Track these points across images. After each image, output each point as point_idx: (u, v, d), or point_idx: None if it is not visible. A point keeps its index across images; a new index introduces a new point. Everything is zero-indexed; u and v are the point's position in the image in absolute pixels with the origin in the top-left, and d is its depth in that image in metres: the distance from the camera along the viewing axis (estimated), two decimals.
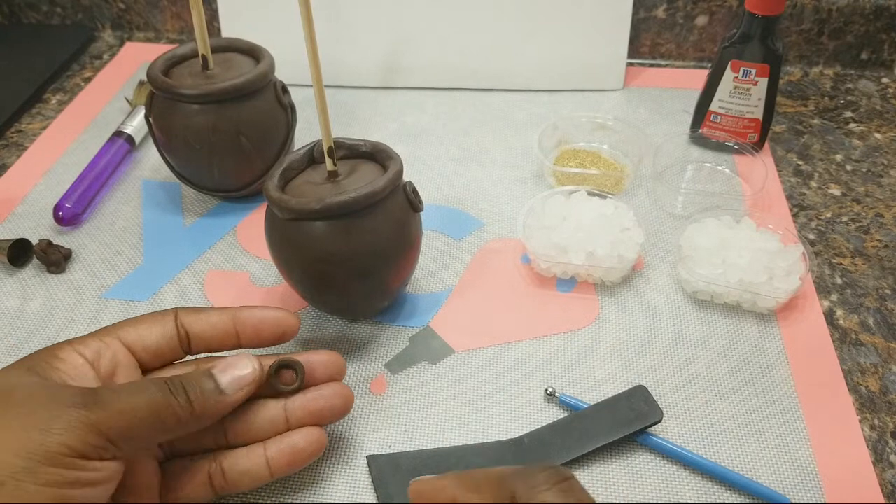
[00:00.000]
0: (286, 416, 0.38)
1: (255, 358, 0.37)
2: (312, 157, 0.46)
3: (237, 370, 0.36)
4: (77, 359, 0.34)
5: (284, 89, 0.56)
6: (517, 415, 0.44)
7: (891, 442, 0.43)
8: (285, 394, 0.38)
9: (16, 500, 0.29)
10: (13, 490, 0.29)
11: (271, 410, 0.38)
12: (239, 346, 0.39)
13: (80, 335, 0.36)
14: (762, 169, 0.58)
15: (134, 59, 0.77)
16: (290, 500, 0.40)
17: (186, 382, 0.34)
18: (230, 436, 0.38)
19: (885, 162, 0.63)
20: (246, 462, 0.37)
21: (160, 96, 0.53)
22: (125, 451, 0.32)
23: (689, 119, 0.64)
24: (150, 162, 0.63)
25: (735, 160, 0.62)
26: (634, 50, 0.75)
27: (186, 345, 0.38)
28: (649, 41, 0.75)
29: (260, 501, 0.40)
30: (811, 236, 0.56)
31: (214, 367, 0.36)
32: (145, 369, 0.37)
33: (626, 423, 0.41)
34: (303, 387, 0.39)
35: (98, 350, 0.35)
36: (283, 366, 0.39)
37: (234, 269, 0.53)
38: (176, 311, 0.38)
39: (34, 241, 0.54)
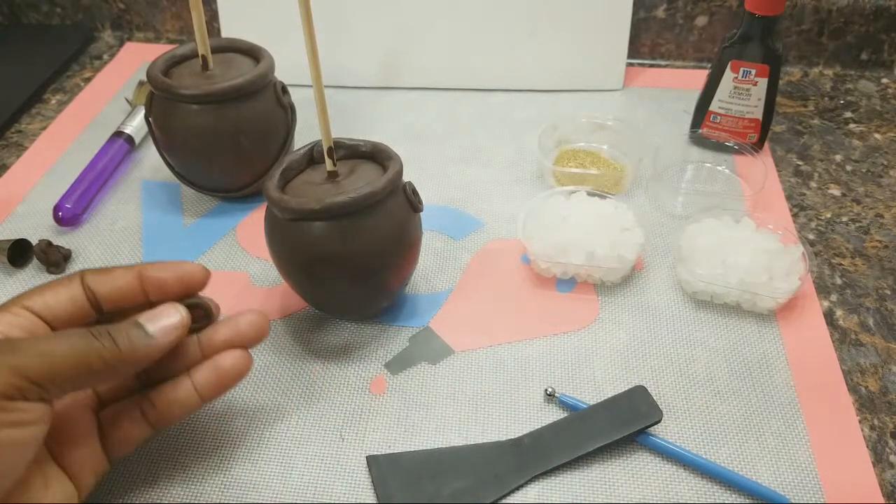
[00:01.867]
0: (201, 349, 0.39)
1: (180, 305, 0.37)
2: (312, 157, 0.46)
3: (164, 319, 0.36)
4: None
5: (284, 89, 0.56)
6: (517, 415, 0.44)
7: (890, 442, 0.43)
8: (196, 331, 0.39)
9: None
10: None
11: (186, 345, 0.39)
12: (148, 303, 0.38)
13: None
14: (762, 169, 0.58)
15: (134, 60, 0.77)
16: (289, 500, 0.40)
17: (112, 329, 0.34)
18: (153, 375, 0.39)
19: (885, 162, 0.63)
20: (173, 392, 0.38)
21: (160, 96, 0.53)
22: (53, 393, 0.33)
23: (688, 119, 0.64)
24: (150, 162, 0.63)
25: (735, 160, 0.62)
26: (634, 50, 0.75)
27: (97, 306, 0.38)
28: (649, 41, 0.75)
29: (259, 501, 0.40)
30: (811, 236, 0.56)
31: (140, 316, 0.36)
32: None
33: (626, 424, 0.41)
34: (211, 322, 0.39)
35: (9, 322, 0.35)
36: (192, 305, 0.38)
37: (233, 270, 0.53)
38: (82, 273, 0.38)
39: (34, 242, 0.54)
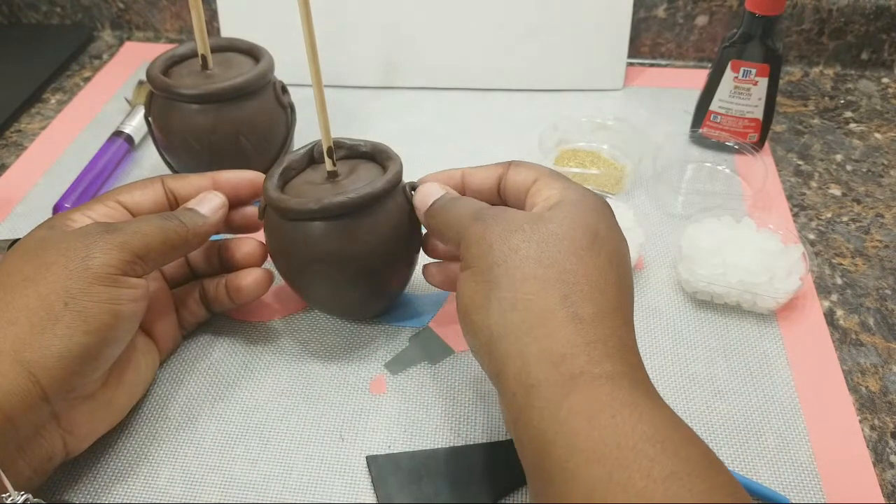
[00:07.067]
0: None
1: (218, 192, 0.44)
2: (312, 157, 0.46)
3: (208, 202, 0.43)
4: (87, 220, 0.40)
5: (284, 89, 0.56)
6: None
7: (891, 442, 0.43)
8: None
9: (82, 319, 0.35)
10: (77, 310, 0.35)
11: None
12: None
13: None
14: (762, 169, 0.58)
15: (133, 59, 0.77)
16: (290, 501, 0.40)
17: (177, 212, 0.42)
18: (204, 271, 0.48)
19: (886, 162, 0.63)
20: (219, 283, 0.46)
21: (159, 96, 0.53)
22: (146, 268, 0.39)
23: (689, 119, 0.64)
24: (150, 162, 0.63)
25: (735, 160, 0.62)
26: (634, 49, 0.75)
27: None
28: (649, 41, 0.75)
29: (259, 501, 0.40)
30: (811, 236, 0.56)
31: (189, 203, 0.43)
32: None
33: None
34: None
35: (106, 213, 0.41)
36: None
37: None
38: (162, 177, 0.44)
39: None
